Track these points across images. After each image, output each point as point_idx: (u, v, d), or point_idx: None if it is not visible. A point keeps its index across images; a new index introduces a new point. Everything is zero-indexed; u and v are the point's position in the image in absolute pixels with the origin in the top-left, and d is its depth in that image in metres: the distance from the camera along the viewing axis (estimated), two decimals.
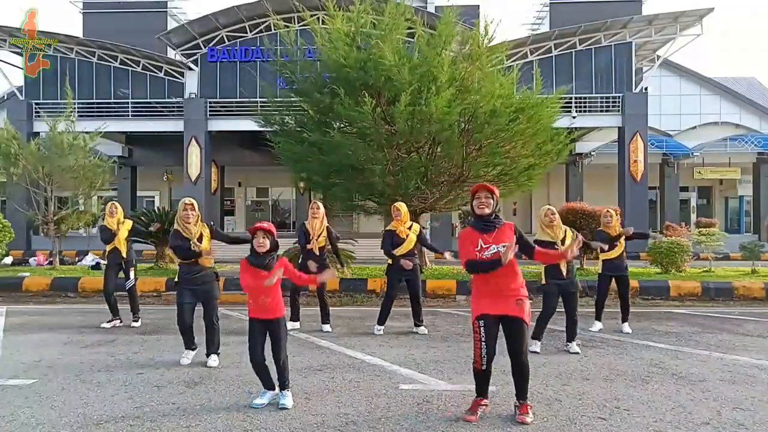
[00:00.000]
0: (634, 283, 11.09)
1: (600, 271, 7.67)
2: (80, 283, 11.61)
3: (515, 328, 4.12)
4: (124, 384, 4.97)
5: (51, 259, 14.97)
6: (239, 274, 4.52)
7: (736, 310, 9.70)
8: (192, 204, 5.72)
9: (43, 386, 4.90)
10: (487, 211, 4.15)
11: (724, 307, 10.08)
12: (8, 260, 15.58)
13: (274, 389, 4.48)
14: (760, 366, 5.66)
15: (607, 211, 7.75)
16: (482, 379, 4.20)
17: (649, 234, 9.43)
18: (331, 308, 7.87)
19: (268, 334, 4.49)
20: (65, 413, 4.22)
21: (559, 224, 6.34)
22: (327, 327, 7.53)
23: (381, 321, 7.37)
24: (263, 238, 4.42)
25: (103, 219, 8.29)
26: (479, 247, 4.11)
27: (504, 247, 4.04)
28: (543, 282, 6.42)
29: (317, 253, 7.51)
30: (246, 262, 4.48)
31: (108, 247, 8.04)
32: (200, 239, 5.64)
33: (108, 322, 7.85)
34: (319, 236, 7.55)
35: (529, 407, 4.13)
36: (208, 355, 5.70)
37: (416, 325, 7.40)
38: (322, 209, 7.73)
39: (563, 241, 6.22)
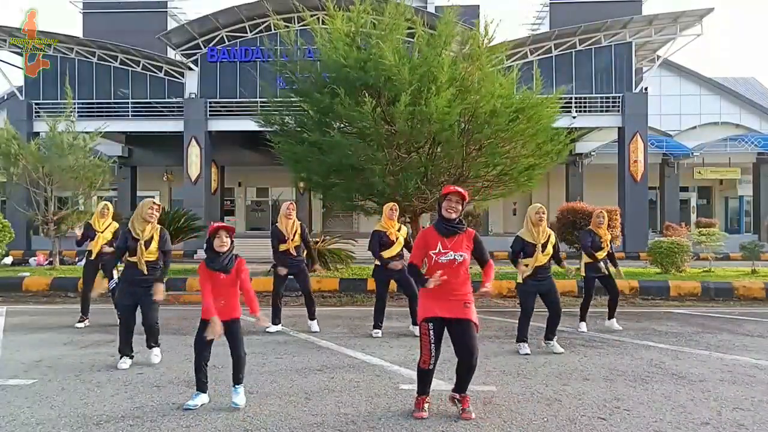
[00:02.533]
0: (634, 283, 11.11)
1: (584, 274, 7.59)
2: (80, 283, 11.59)
3: (464, 330, 4.14)
4: (124, 384, 4.97)
5: (51, 259, 14.97)
6: (200, 282, 4.43)
7: (736, 310, 9.70)
8: (159, 206, 5.75)
9: (43, 386, 4.90)
10: (454, 215, 4.19)
11: (724, 307, 10.08)
12: (8, 260, 15.57)
13: (206, 392, 4.43)
14: (760, 366, 5.66)
15: (600, 212, 7.72)
16: (427, 378, 4.25)
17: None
18: (331, 308, 7.87)
19: (224, 335, 4.39)
20: (65, 413, 4.22)
21: (545, 228, 6.32)
22: (315, 325, 7.48)
23: (377, 325, 7.28)
24: (225, 237, 4.37)
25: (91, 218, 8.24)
26: (437, 250, 4.15)
27: (461, 256, 4.12)
28: (519, 280, 6.36)
29: (294, 254, 7.52)
30: (204, 265, 4.38)
31: (90, 247, 7.97)
32: (149, 242, 5.60)
33: (79, 321, 7.83)
34: (294, 236, 7.50)
35: (468, 399, 4.23)
36: (149, 347, 5.75)
37: (414, 324, 7.32)
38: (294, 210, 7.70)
39: (544, 246, 6.22)
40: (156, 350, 5.77)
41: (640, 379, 5.18)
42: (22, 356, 6.01)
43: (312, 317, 7.58)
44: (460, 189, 4.24)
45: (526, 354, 6.13)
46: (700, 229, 16.56)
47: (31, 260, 16.25)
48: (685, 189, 30.95)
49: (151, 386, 4.90)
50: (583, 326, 7.54)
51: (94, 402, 4.48)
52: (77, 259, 16.95)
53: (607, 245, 7.55)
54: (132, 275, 5.64)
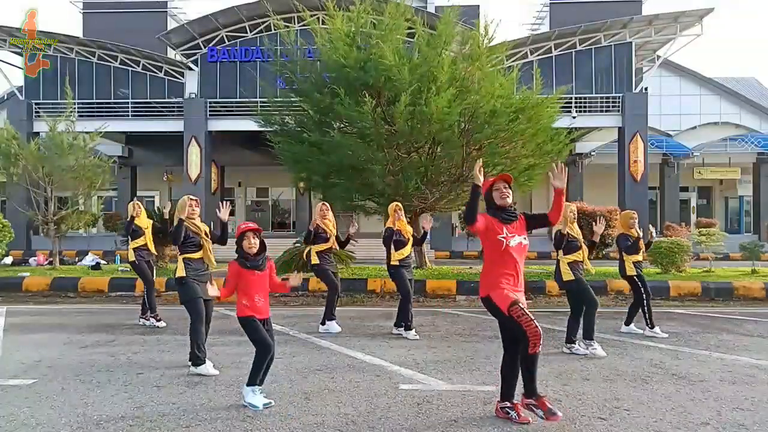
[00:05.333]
0: None
1: (635, 274, 7.33)
2: (80, 283, 11.61)
3: None
4: (124, 384, 4.97)
5: (51, 259, 14.97)
6: (227, 276, 4.46)
7: (736, 310, 9.69)
8: (197, 200, 5.77)
9: (43, 386, 4.90)
10: (509, 199, 4.14)
11: (724, 307, 10.08)
12: (8, 260, 15.57)
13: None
14: (760, 366, 5.66)
15: (633, 213, 7.60)
16: (534, 365, 3.97)
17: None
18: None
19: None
20: (65, 413, 4.22)
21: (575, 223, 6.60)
22: (334, 326, 7.42)
23: (408, 326, 7.13)
24: (254, 238, 4.41)
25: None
26: (504, 234, 4.03)
27: (526, 239, 4.12)
28: (571, 277, 6.30)
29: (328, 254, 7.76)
30: (237, 265, 4.41)
31: (134, 244, 8.03)
32: (206, 236, 5.68)
33: (158, 320, 7.82)
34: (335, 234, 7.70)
35: (545, 400, 4.00)
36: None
37: (407, 329, 7.13)
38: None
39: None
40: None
41: (640, 379, 5.18)
42: (22, 356, 6.01)
43: (333, 318, 7.52)
44: (506, 174, 4.23)
45: (602, 355, 6.02)
46: (700, 229, 16.55)
47: (31, 260, 16.24)
48: (685, 189, 30.93)
49: (151, 386, 4.90)
50: (658, 329, 7.25)
51: (94, 402, 4.48)
52: (77, 259, 16.96)
53: (643, 246, 7.42)
54: (199, 270, 5.55)
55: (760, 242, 17.74)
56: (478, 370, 5.41)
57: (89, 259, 15.55)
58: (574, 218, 6.46)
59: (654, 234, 7.74)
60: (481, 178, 4.02)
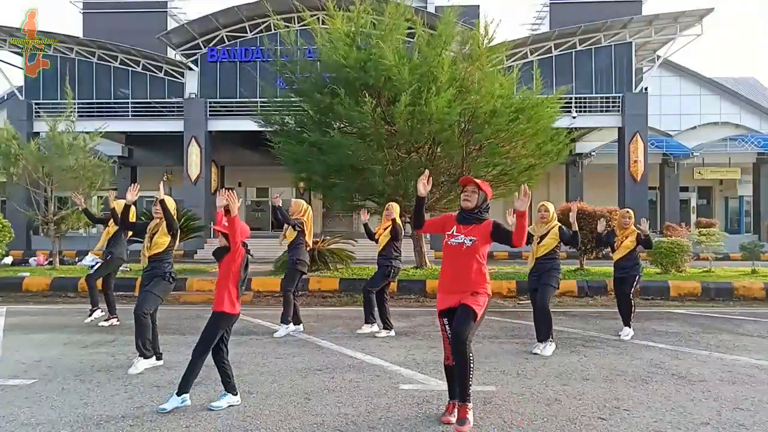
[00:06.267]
0: None
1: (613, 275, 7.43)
2: (80, 283, 11.60)
3: (457, 313, 4.05)
4: (124, 384, 4.97)
5: (51, 259, 14.96)
6: None
7: (736, 310, 9.69)
8: (154, 201, 5.77)
9: (43, 386, 4.90)
10: (470, 205, 4.17)
11: (724, 307, 10.07)
12: (8, 260, 15.56)
13: (233, 393, 4.39)
14: (760, 366, 5.66)
15: (627, 211, 7.57)
16: (451, 375, 4.18)
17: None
18: (331, 308, 7.84)
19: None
20: (65, 413, 4.22)
21: (547, 222, 6.41)
22: (282, 329, 7.14)
23: (385, 326, 7.30)
24: (221, 236, 4.48)
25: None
26: (451, 232, 4.17)
27: (471, 240, 4.07)
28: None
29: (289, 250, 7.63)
30: None
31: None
32: (154, 236, 5.69)
33: (105, 320, 7.96)
34: (285, 232, 7.50)
35: (467, 409, 3.95)
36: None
37: (384, 328, 7.22)
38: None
39: (542, 238, 6.36)
40: (136, 360, 5.47)
41: (640, 379, 5.18)
42: (22, 356, 6.01)
43: (283, 320, 7.24)
44: (473, 178, 4.26)
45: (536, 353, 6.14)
46: (700, 229, 16.53)
47: (31, 260, 16.23)
48: (685, 189, 30.92)
49: (151, 386, 4.90)
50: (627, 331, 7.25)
51: (94, 402, 4.48)
52: (77, 259, 16.95)
53: (619, 246, 7.33)
54: (144, 270, 5.76)
55: (760, 242, 17.73)
56: (477, 370, 5.39)
57: (89, 259, 15.47)
58: (541, 219, 6.43)
59: (645, 223, 7.23)
60: (423, 191, 4.14)
